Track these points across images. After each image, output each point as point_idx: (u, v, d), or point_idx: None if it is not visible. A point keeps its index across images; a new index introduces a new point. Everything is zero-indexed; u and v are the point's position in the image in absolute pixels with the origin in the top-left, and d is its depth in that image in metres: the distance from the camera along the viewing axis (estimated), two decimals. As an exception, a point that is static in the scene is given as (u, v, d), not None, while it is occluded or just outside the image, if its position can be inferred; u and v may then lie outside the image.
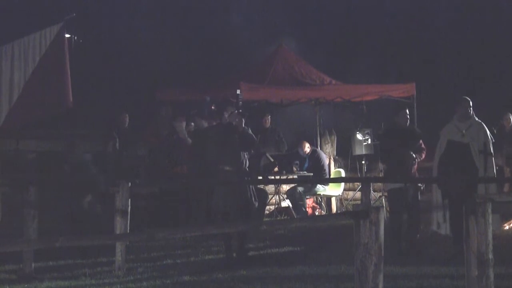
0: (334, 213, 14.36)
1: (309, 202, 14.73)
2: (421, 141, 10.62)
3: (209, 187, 11.71)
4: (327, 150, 15.48)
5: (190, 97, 15.64)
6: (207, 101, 14.44)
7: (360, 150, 14.95)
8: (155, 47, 21.05)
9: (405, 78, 16.69)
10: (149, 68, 19.58)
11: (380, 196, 14.44)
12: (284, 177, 14.11)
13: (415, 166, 10.48)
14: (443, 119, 10.50)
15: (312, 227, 12.12)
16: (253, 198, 10.00)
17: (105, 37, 20.58)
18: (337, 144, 15.80)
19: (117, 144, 13.50)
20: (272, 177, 13.71)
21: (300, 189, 14.43)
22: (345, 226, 10.12)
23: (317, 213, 14.71)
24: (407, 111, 10.66)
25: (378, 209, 5.73)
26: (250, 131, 10.24)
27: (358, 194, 14.43)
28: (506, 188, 12.70)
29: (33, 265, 9.00)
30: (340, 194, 15.15)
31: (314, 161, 14.68)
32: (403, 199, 10.29)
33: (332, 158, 15.50)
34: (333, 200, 15.23)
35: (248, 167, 10.13)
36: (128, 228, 9.33)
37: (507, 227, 11.54)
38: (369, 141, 14.89)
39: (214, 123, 13.89)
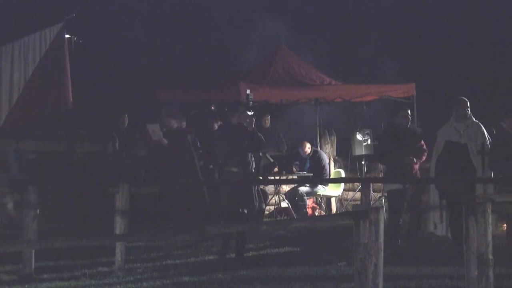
0: (334, 214, 14.37)
1: (309, 202, 14.73)
2: (422, 142, 10.59)
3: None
4: (327, 151, 15.48)
5: (190, 97, 15.66)
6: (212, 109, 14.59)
7: (360, 151, 14.96)
8: (155, 47, 21.06)
9: (405, 78, 16.69)
10: (149, 68, 19.58)
11: (380, 197, 14.44)
12: (284, 177, 14.12)
13: (417, 167, 10.46)
14: (442, 120, 10.49)
15: (312, 227, 12.12)
16: (257, 200, 9.98)
17: (105, 37, 20.58)
18: (337, 145, 15.80)
19: (117, 145, 13.50)
20: (272, 178, 13.71)
21: (303, 189, 14.43)
22: (345, 227, 10.12)
23: (317, 214, 14.72)
24: (409, 111, 10.61)
25: (378, 209, 5.73)
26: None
27: (358, 195, 14.43)
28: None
29: (33, 265, 9.00)
30: (340, 194, 15.15)
31: (315, 161, 14.69)
32: (402, 200, 10.30)
33: (332, 158, 15.51)
34: (333, 200, 15.24)
35: (254, 169, 10.08)
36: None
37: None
38: (369, 142, 14.89)
39: (215, 124, 13.98)
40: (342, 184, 14.98)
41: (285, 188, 14.85)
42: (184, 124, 13.81)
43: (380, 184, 14.53)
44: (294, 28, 20.40)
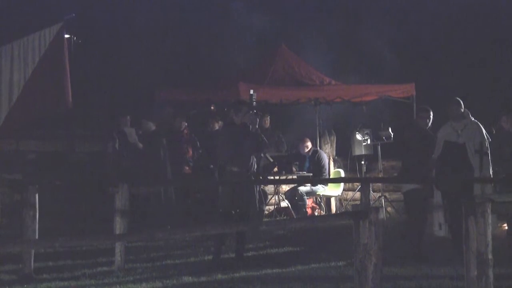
0: (334, 214, 14.38)
1: (309, 202, 14.74)
2: None
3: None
4: (327, 150, 15.49)
5: (190, 97, 15.66)
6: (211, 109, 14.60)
7: (359, 151, 14.97)
8: (155, 47, 21.06)
9: (405, 78, 16.69)
10: (149, 68, 19.57)
11: (379, 197, 14.46)
12: (284, 177, 14.12)
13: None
14: (442, 120, 10.48)
15: (312, 227, 12.13)
16: (258, 201, 9.97)
17: (105, 37, 20.58)
18: (337, 144, 15.81)
19: (117, 145, 13.51)
20: (272, 178, 13.71)
21: (302, 189, 14.43)
22: (345, 226, 10.13)
23: (316, 214, 14.72)
24: (431, 112, 10.35)
25: (377, 209, 5.74)
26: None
27: (358, 195, 14.44)
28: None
29: (32, 265, 9.00)
30: (340, 194, 15.16)
31: (315, 161, 14.69)
32: (421, 200, 10.13)
33: (331, 158, 15.51)
34: (333, 200, 15.25)
35: (255, 169, 10.06)
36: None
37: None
38: (369, 141, 14.90)
39: (215, 123, 13.99)
40: (342, 184, 14.99)
41: (285, 188, 14.86)
42: (184, 124, 13.83)
43: (380, 184, 14.55)
44: (294, 28, 20.43)
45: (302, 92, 15.69)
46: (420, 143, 10.12)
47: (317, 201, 15.15)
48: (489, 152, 10.00)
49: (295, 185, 14.62)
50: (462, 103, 10.12)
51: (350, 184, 15.29)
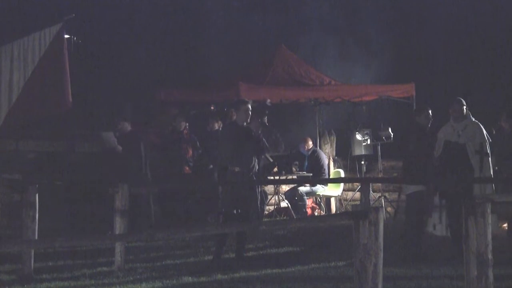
0: (334, 214, 14.37)
1: (309, 202, 14.74)
2: None
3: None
4: (327, 150, 15.49)
5: (190, 97, 15.66)
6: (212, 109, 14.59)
7: (359, 151, 14.97)
8: (155, 47, 21.06)
9: (405, 78, 16.69)
10: (149, 68, 19.58)
11: (379, 197, 14.46)
12: (284, 177, 14.12)
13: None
14: (442, 120, 10.48)
15: (312, 227, 12.13)
16: (259, 202, 9.96)
17: (105, 37, 20.58)
18: (337, 145, 15.81)
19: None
20: (272, 178, 13.72)
21: (302, 189, 14.43)
22: (345, 227, 10.13)
23: (316, 214, 14.72)
24: (430, 111, 10.30)
25: (377, 209, 5.73)
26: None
27: (358, 195, 14.46)
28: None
29: (32, 265, 9.00)
30: (340, 194, 15.16)
31: (314, 161, 14.69)
32: (423, 202, 10.10)
33: (331, 158, 15.51)
34: (333, 200, 15.25)
35: (257, 170, 10.04)
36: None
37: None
38: (368, 142, 14.90)
39: (215, 123, 13.97)
40: (342, 184, 14.99)
41: (285, 188, 14.86)
42: (184, 124, 13.82)
43: (380, 184, 14.55)
44: (294, 28, 20.43)
45: (302, 92, 15.69)
46: (421, 143, 10.11)
47: (317, 201, 15.15)
48: (489, 152, 10.00)
49: (295, 185, 14.62)
50: (465, 103, 10.11)
51: (350, 184, 15.29)
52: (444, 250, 10.19)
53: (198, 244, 11.10)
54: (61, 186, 13.11)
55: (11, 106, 12.66)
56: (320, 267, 9.38)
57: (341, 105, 16.46)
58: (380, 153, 14.85)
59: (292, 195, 14.53)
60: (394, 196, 14.73)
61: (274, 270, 9.19)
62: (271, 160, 14.36)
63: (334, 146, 15.78)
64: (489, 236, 6.18)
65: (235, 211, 9.63)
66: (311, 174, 14.51)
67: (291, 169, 14.71)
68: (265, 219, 13.20)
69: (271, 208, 14.46)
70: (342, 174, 15.10)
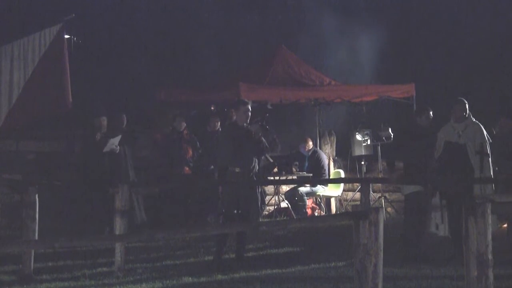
0: (334, 214, 14.37)
1: (309, 202, 14.74)
2: None
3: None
4: (327, 151, 15.49)
5: (190, 97, 15.66)
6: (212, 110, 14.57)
7: (359, 151, 14.96)
8: (155, 47, 21.07)
9: (405, 78, 16.69)
10: (149, 68, 19.58)
11: (379, 197, 14.46)
12: (284, 177, 14.12)
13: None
14: (442, 120, 10.47)
15: (312, 227, 12.13)
16: (259, 202, 9.96)
17: (105, 37, 20.59)
18: (337, 145, 15.81)
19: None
20: (272, 178, 13.71)
21: (302, 189, 14.43)
22: (345, 227, 10.14)
23: (316, 214, 14.72)
24: (431, 113, 10.25)
25: (377, 209, 5.73)
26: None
27: (358, 195, 14.44)
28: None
29: (32, 265, 9.00)
30: (340, 194, 15.16)
31: (314, 161, 14.69)
32: (422, 202, 10.08)
33: (331, 158, 15.51)
34: (333, 200, 15.24)
35: (258, 170, 10.03)
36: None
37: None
38: (369, 142, 14.90)
39: (216, 123, 13.97)
40: (342, 185, 14.99)
41: (285, 188, 14.86)
42: (183, 124, 13.82)
43: (380, 185, 14.55)
44: (294, 28, 20.44)
45: (302, 92, 15.68)
46: (421, 143, 10.10)
47: (317, 202, 15.15)
48: (489, 153, 9.99)
49: (295, 185, 14.61)
50: (467, 104, 10.09)
51: (350, 184, 15.29)
52: (444, 250, 10.19)
53: (198, 244, 11.09)
54: (61, 186, 13.12)
55: (11, 106, 12.66)
56: (320, 267, 9.38)
57: (341, 105, 16.46)
58: (380, 153, 14.85)
59: (292, 196, 14.53)
60: (394, 196, 14.72)
61: (274, 270, 9.19)
62: (271, 161, 14.36)
63: (334, 146, 15.77)
64: (489, 236, 6.19)
65: (235, 212, 9.63)
66: (311, 175, 14.51)
67: (291, 169, 14.71)
68: (265, 220, 13.20)
69: (271, 208, 14.46)
70: (342, 175, 15.10)
